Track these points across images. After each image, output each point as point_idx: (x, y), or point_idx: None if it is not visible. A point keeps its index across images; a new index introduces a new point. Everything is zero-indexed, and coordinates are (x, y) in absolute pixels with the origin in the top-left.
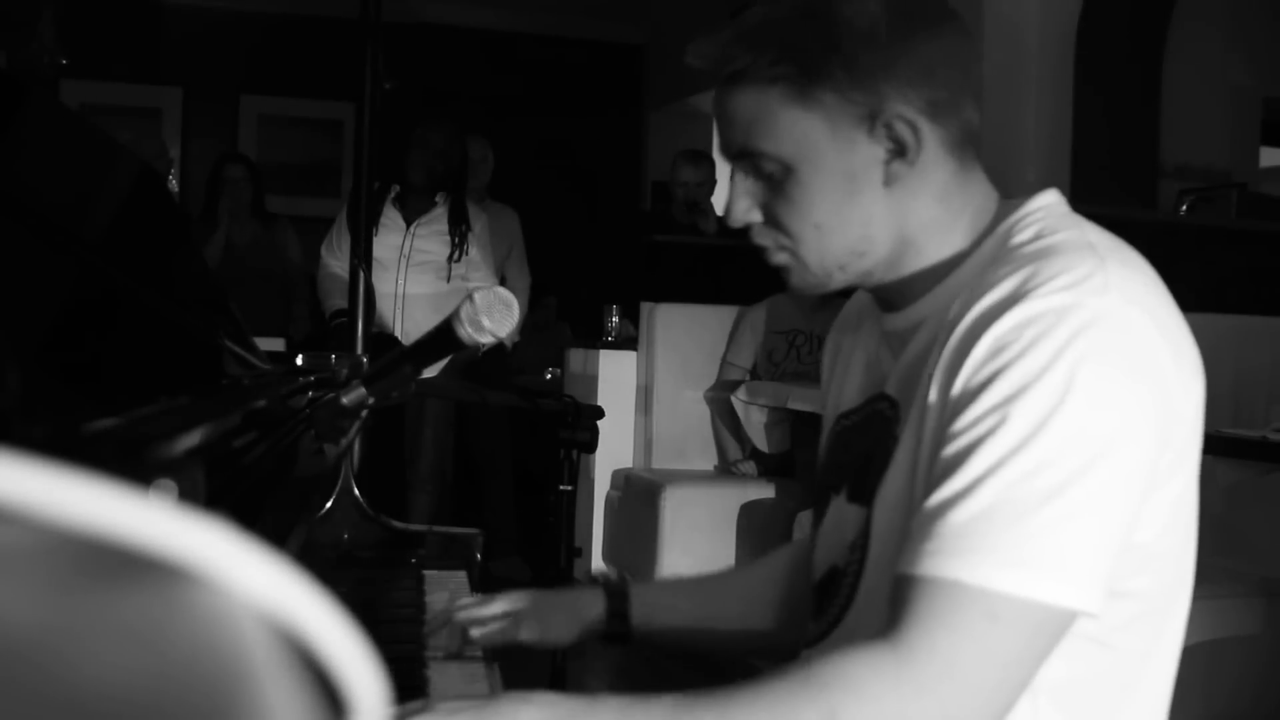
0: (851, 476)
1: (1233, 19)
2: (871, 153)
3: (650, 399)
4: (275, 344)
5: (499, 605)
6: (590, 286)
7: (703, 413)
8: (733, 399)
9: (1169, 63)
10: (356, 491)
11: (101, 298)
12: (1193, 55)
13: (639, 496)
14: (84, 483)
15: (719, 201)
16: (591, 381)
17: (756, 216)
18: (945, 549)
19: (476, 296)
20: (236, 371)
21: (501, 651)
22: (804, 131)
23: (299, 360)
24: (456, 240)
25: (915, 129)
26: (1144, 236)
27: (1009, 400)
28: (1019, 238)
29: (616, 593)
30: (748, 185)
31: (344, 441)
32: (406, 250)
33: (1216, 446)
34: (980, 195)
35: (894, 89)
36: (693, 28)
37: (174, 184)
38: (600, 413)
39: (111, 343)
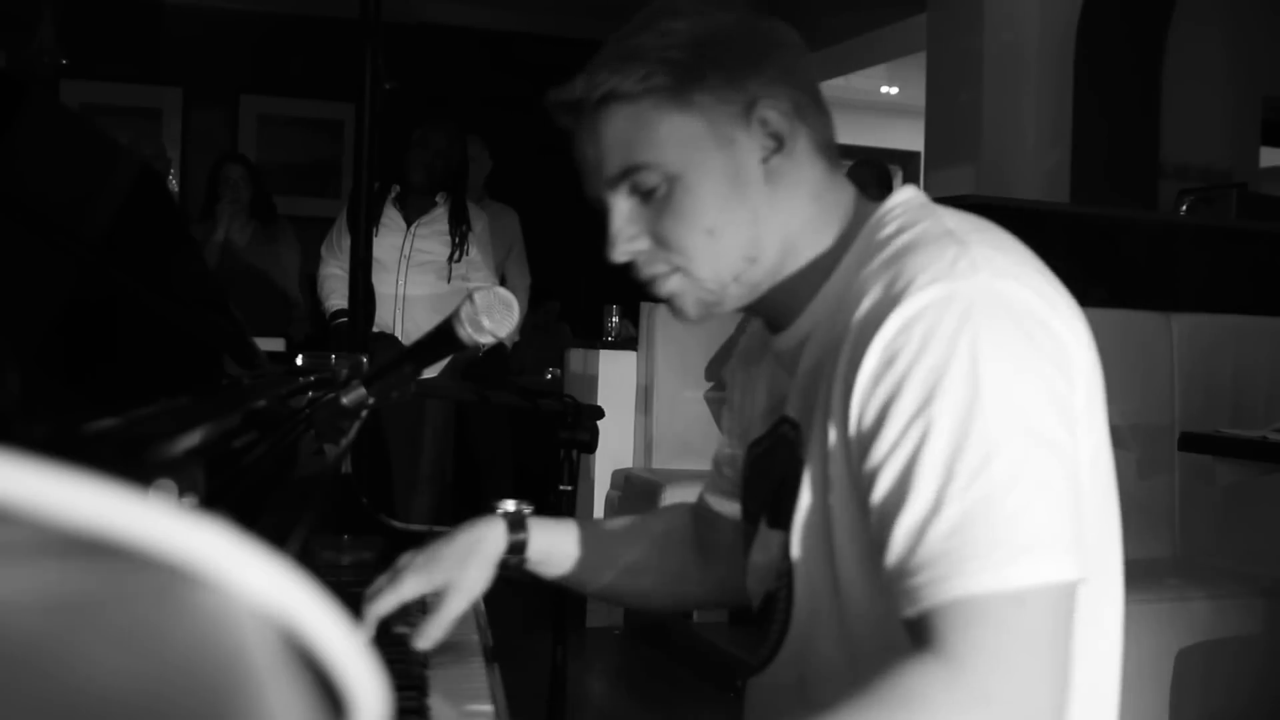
0: (769, 502)
1: (1232, 19)
2: (750, 150)
3: (650, 399)
4: (275, 344)
5: (411, 586)
6: (590, 287)
7: (703, 412)
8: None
9: (1169, 63)
10: (356, 492)
11: (101, 298)
12: (1192, 55)
13: (639, 496)
14: (84, 483)
15: None
16: (591, 381)
17: (643, 244)
18: (941, 574)
19: (476, 296)
20: (236, 372)
21: (501, 651)
22: (686, 135)
23: (299, 360)
24: (457, 240)
25: (788, 120)
26: (1144, 236)
27: (925, 405)
28: (880, 235)
29: (516, 525)
30: (627, 211)
31: (344, 442)
32: (407, 251)
33: (1216, 447)
34: (846, 197)
35: (762, 87)
36: None
37: (174, 184)
38: (600, 413)
39: (111, 343)
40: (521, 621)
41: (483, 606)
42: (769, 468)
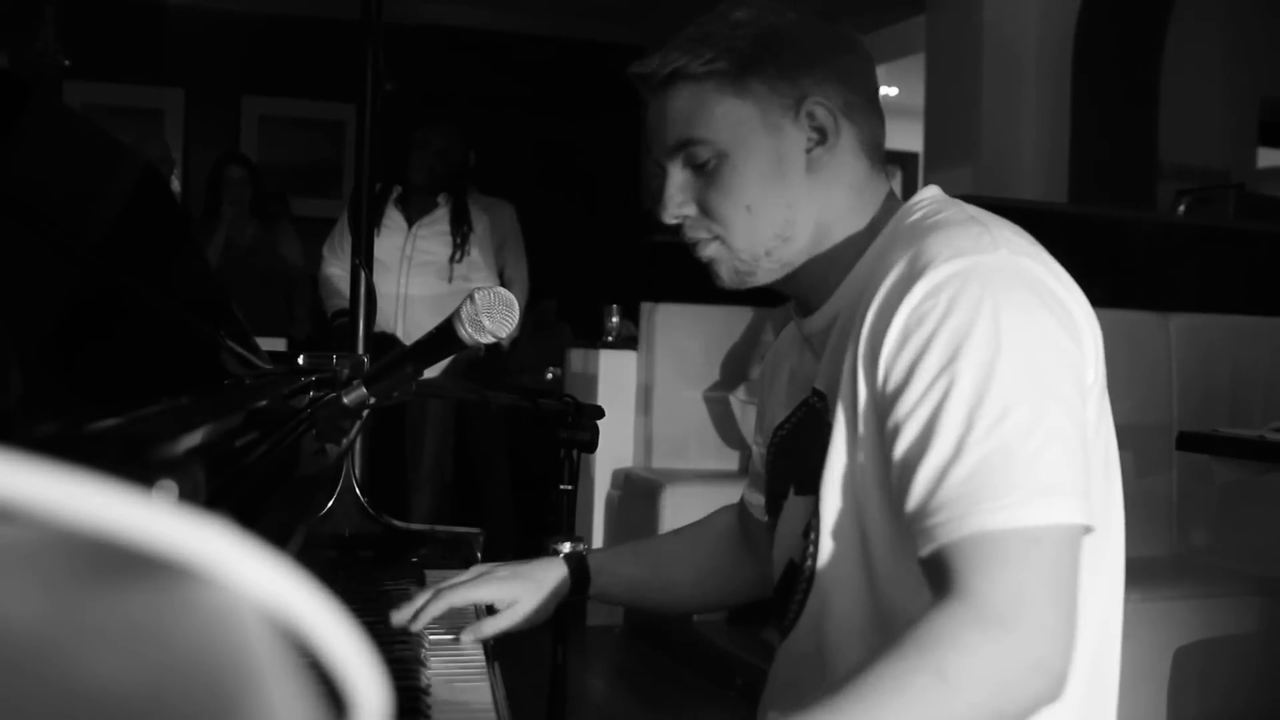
0: (798, 474)
1: (1231, 19)
2: (796, 139)
3: (650, 399)
4: (277, 344)
5: (481, 591)
6: (590, 286)
7: (703, 413)
8: (731, 399)
9: (1167, 63)
10: (358, 491)
11: (104, 297)
12: (1191, 56)
13: (639, 496)
14: (87, 482)
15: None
16: (591, 381)
17: (690, 210)
18: (958, 513)
19: (477, 296)
20: (238, 371)
21: (501, 650)
22: (738, 118)
23: (301, 360)
24: (458, 241)
25: (835, 117)
26: (1142, 237)
27: (950, 362)
28: (906, 222)
29: (577, 563)
30: (681, 180)
31: (345, 441)
32: (408, 251)
33: (1214, 446)
34: (884, 196)
35: (815, 84)
36: None
37: (176, 185)
38: (601, 412)
39: (114, 342)
40: None
41: (484, 606)
42: (794, 444)
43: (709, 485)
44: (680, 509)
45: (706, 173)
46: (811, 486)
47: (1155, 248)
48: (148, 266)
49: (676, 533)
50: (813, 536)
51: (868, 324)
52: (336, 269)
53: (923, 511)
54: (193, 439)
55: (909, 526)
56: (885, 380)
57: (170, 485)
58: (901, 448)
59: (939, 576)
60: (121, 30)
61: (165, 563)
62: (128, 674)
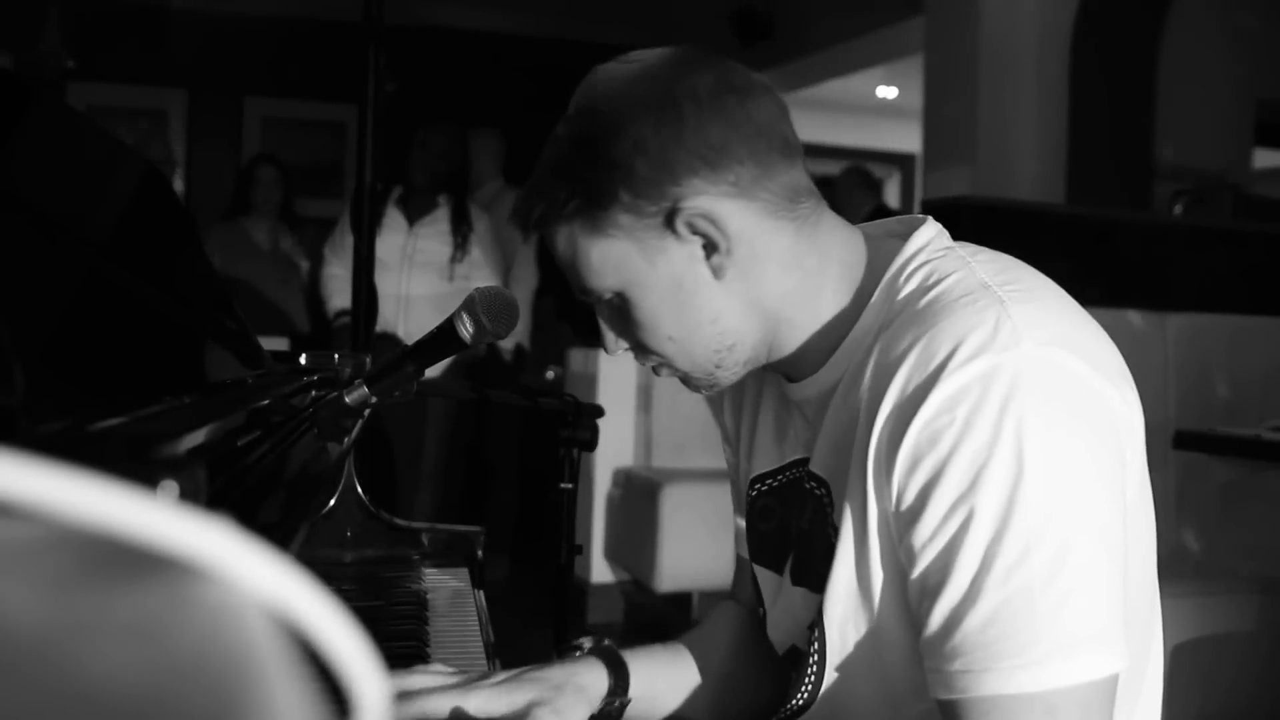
0: (789, 556)
1: (1228, 20)
2: (686, 255)
3: (650, 398)
4: (279, 343)
5: (479, 700)
6: None
7: (703, 412)
8: None
9: (1164, 64)
10: (359, 490)
11: (107, 297)
12: (1187, 57)
13: (639, 494)
14: (90, 481)
15: None
16: (591, 381)
17: (625, 343)
18: (975, 666)
19: (478, 296)
20: (241, 371)
21: (502, 648)
22: (616, 257)
23: (303, 359)
24: (458, 241)
25: (715, 221)
26: (1138, 237)
27: (968, 492)
28: (907, 289)
29: (615, 665)
30: (606, 315)
31: (347, 440)
32: (409, 251)
33: (1211, 445)
34: (839, 245)
35: (685, 186)
36: (693, 29)
37: (179, 185)
38: (600, 411)
39: (117, 342)
40: (522, 619)
41: (484, 604)
42: (776, 511)
43: (709, 484)
44: (680, 508)
45: (619, 311)
46: (813, 583)
47: (1152, 248)
48: (151, 266)
49: (701, 625)
50: (816, 645)
51: (880, 429)
52: (337, 269)
53: (939, 653)
54: (195, 438)
55: (923, 657)
56: (899, 500)
57: (172, 484)
58: (917, 573)
59: None
60: (125, 32)
61: (167, 562)
62: (129, 673)
